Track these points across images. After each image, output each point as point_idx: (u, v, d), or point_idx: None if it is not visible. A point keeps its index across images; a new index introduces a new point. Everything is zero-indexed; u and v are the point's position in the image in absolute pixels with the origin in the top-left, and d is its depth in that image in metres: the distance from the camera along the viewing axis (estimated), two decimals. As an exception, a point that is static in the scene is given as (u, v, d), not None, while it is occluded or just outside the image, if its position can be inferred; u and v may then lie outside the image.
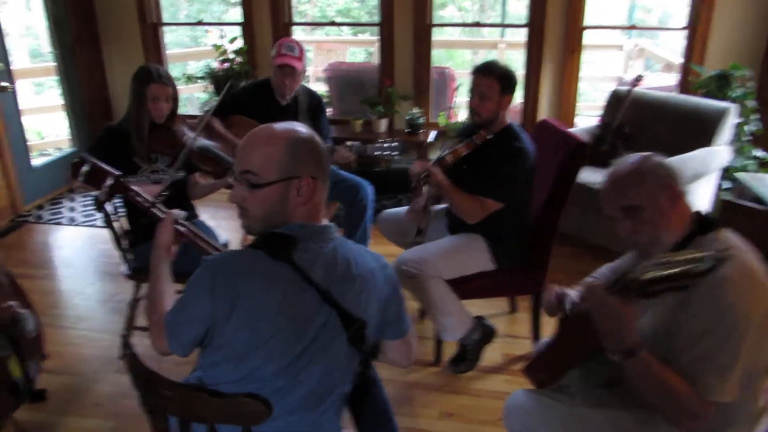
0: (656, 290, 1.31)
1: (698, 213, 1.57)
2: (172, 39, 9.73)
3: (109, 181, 2.00)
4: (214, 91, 4.79)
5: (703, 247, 1.48)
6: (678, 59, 6.05)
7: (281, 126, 1.43)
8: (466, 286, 2.57)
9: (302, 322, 1.36)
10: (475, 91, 2.49)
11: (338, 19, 10.07)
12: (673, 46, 7.25)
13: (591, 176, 3.70)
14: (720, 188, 4.01)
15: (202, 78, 4.81)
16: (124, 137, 2.61)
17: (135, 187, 2.02)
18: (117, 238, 2.61)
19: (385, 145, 3.03)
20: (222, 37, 4.92)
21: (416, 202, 2.66)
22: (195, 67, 4.97)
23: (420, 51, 4.71)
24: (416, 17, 4.62)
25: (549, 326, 2.81)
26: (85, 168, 2.01)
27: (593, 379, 1.78)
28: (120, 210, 2.69)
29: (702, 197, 3.77)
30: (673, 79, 5.39)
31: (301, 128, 1.44)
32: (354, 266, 1.44)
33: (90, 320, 3.16)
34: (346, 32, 9.31)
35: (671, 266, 1.29)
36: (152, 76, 2.59)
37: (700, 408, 1.41)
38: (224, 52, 4.77)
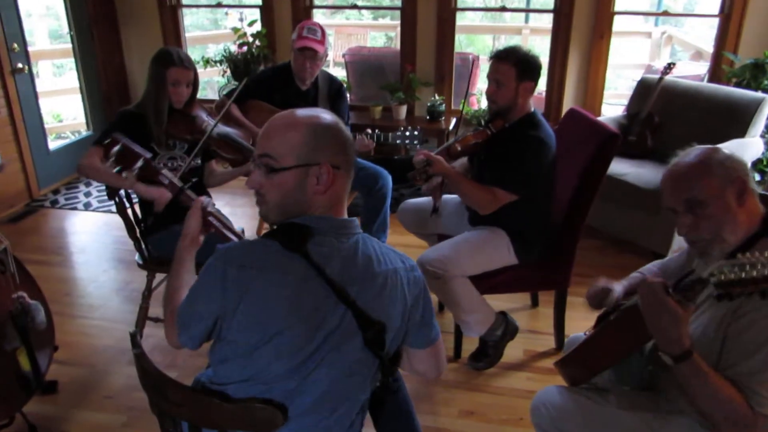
0: (733, 293, 1.21)
1: None
2: (192, 21, 9.66)
3: (140, 163, 1.95)
4: (231, 75, 4.71)
5: None
6: (706, 46, 5.89)
7: (304, 111, 1.37)
8: (488, 282, 2.48)
9: (314, 320, 1.28)
10: (492, 77, 2.40)
11: (360, 3, 9.93)
12: (701, 33, 7.05)
13: (618, 167, 3.57)
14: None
15: (220, 62, 4.72)
16: (140, 122, 2.51)
17: (165, 172, 1.98)
18: (131, 226, 2.55)
19: (407, 133, 2.95)
20: (241, 19, 4.84)
21: (431, 182, 2.57)
22: (214, 51, 4.88)
23: (443, 36, 4.58)
24: (440, 1, 4.49)
25: (573, 321, 2.73)
26: (116, 149, 1.96)
27: (628, 380, 1.70)
28: (133, 197, 2.63)
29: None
30: (702, 67, 5.21)
31: (326, 114, 1.37)
32: (376, 264, 1.36)
33: (103, 309, 3.11)
34: (367, 16, 9.16)
35: (751, 269, 1.18)
36: (173, 60, 2.49)
37: (752, 420, 1.33)
38: (243, 35, 4.68)
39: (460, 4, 4.60)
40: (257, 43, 4.66)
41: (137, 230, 2.58)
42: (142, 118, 2.52)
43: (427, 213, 2.76)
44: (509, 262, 2.50)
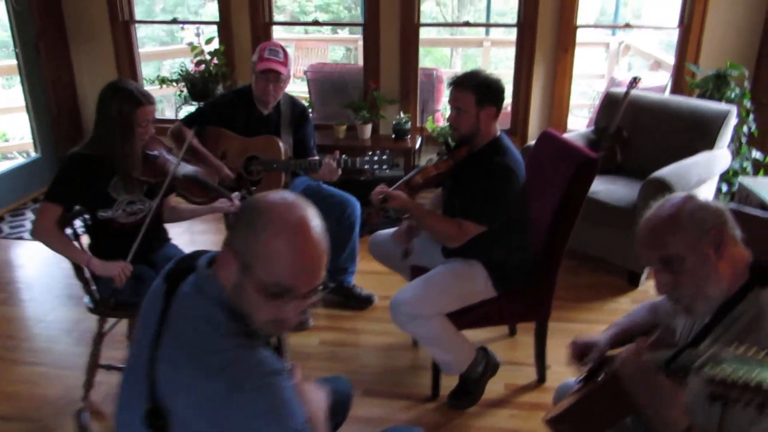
0: (730, 396, 1.04)
1: (757, 261, 1.36)
2: (147, 33, 9.37)
3: None
4: (189, 94, 4.51)
5: (762, 303, 1.29)
6: (663, 56, 5.94)
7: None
8: (467, 317, 2.37)
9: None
10: (451, 104, 2.31)
11: (318, 14, 9.82)
12: (658, 42, 7.13)
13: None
14: (719, 192, 3.87)
15: (176, 81, 4.52)
16: (95, 165, 2.29)
17: None
18: (79, 266, 2.35)
19: (375, 158, 2.83)
20: (198, 35, 4.65)
21: (401, 224, 2.51)
22: (170, 67, 4.67)
23: (407, 52, 4.48)
24: (403, 16, 4.38)
25: (553, 350, 2.63)
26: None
27: None
28: (79, 230, 2.44)
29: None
30: (662, 77, 5.24)
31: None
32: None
33: (51, 354, 2.87)
34: (325, 29, 9.04)
35: (754, 370, 1.01)
36: (139, 99, 2.27)
37: None
38: (200, 52, 4.49)
39: (422, 20, 4.50)
40: (215, 61, 4.47)
41: (86, 271, 2.38)
42: (96, 162, 2.29)
43: (393, 244, 2.62)
44: (488, 295, 2.38)
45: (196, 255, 1.30)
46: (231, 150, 3.02)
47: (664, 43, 7.43)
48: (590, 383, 1.60)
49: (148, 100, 2.30)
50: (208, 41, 4.53)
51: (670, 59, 5.56)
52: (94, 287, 2.39)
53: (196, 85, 4.43)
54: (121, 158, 2.29)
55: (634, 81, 3.86)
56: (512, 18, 4.46)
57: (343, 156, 2.87)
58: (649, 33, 7.32)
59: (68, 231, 2.39)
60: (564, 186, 2.37)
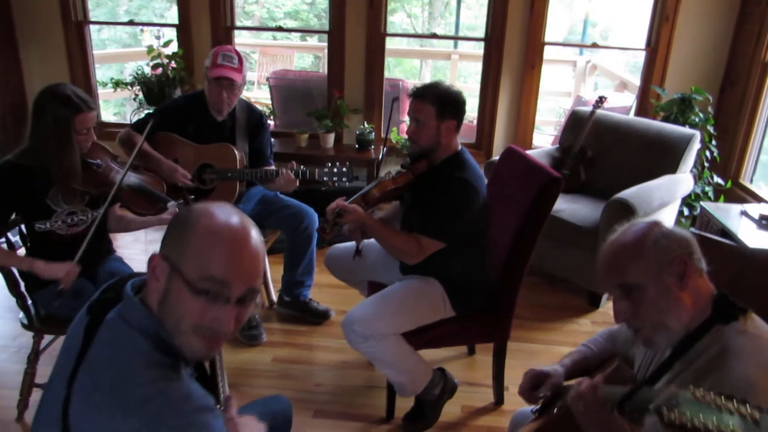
0: None
1: (721, 295, 1.29)
2: (110, 35, 9.12)
3: None
4: (144, 98, 4.35)
5: (724, 340, 1.22)
6: (629, 77, 6.01)
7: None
8: (424, 337, 2.28)
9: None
10: (411, 116, 2.23)
11: (287, 21, 9.69)
12: (624, 64, 7.22)
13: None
14: (681, 215, 3.87)
15: (131, 84, 4.35)
16: (29, 175, 2.14)
17: None
18: (12, 281, 2.19)
19: (335, 170, 2.74)
20: (158, 37, 4.50)
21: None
22: (133, 70, 4.49)
23: (372, 62, 4.40)
24: (369, 25, 4.31)
25: (511, 371, 2.56)
26: None
27: None
28: (14, 241, 2.28)
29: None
30: (628, 98, 5.27)
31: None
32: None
33: (-17, 371, 2.69)
34: (294, 36, 8.93)
35: (713, 415, 0.93)
36: (77, 105, 2.12)
37: None
38: (158, 55, 4.33)
39: (389, 29, 4.43)
40: (173, 64, 4.32)
41: (21, 285, 2.22)
42: (31, 171, 2.14)
43: (355, 262, 2.52)
44: (446, 315, 2.30)
45: (123, 281, 1.18)
46: (183, 157, 2.88)
47: (629, 65, 7.53)
48: (546, 415, 1.52)
49: (87, 105, 2.16)
50: (166, 44, 4.38)
51: (636, 81, 5.62)
52: (29, 302, 2.23)
53: (151, 89, 4.27)
54: (58, 169, 2.14)
55: (600, 101, 3.85)
56: (482, 32, 4.42)
57: (301, 167, 2.77)
58: (616, 54, 7.41)
59: (1, 241, 2.24)
60: (527, 204, 2.30)
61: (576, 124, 3.90)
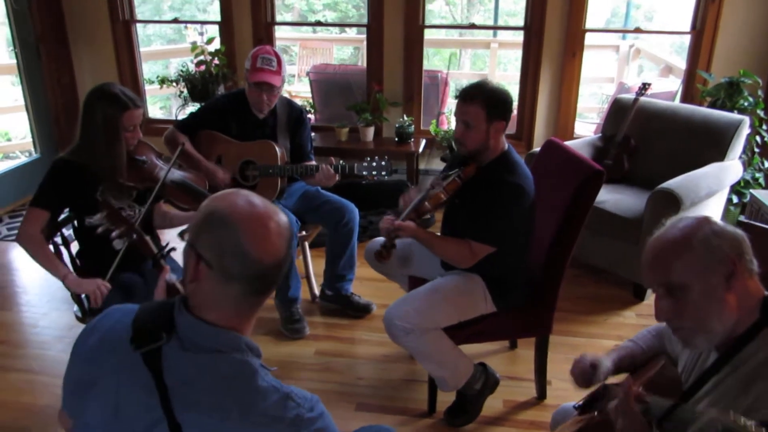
0: None
1: None
2: (155, 31, 9.31)
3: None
4: (189, 95, 4.45)
5: None
6: (674, 60, 5.83)
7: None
8: (465, 332, 2.28)
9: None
10: (459, 119, 2.19)
11: (326, 12, 9.73)
12: (668, 46, 7.00)
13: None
14: (729, 203, 3.76)
15: (176, 81, 4.46)
16: (80, 173, 2.23)
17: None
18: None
19: (374, 164, 2.77)
20: (201, 33, 4.60)
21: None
22: (178, 66, 4.60)
23: (411, 54, 4.40)
24: (407, 17, 4.30)
25: (553, 365, 2.55)
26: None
27: None
28: (68, 235, 2.37)
29: (712, 216, 3.50)
30: (673, 83, 5.12)
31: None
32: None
33: (42, 360, 2.81)
34: (334, 29, 8.95)
35: None
36: (125, 102, 2.20)
37: None
38: (201, 52, 4.42)
39: (428, 19, 4.41)
40: (216, 61, 4.41)
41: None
42: (81, 168, 2.23)
43: (396, 254, 2.53)
44: (486, 311, 2.30)
45: (152, 311, 1.17)
46: (227, 155, 2.95)
47: (675, 46, 7.30)
48: (587, 416, 1.51)
49: (134, 103, 2.23)
50: (209, 41, 4.47)
51: (682, 64, 5.46)
52: (83, 295, 2.33)
53: (196, 85, 4.37)
54: (106, 164, 2.23)
55: (644, 87, 3.76)
56: (521, 19, 4.36)
57: (341, 161, 2.80)
58: (661, 36, 7.19)
59: (57, 238, 2.34)
60: (568, 198, 2.28)
61: (619, 112, 3.82)
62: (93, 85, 2.28)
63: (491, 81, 2.23)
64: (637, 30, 4.60)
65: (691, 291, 1.23)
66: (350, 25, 9.07)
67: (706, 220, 1.30)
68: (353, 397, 2.56)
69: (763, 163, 3.87)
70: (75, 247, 2.43)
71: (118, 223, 2.03)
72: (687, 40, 4.29)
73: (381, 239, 2.68)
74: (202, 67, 4.39)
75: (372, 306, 3.16)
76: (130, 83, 4.70)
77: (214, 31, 4.61)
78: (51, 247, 2.28)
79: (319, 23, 4.71)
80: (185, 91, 4.45)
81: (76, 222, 2.36)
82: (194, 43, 4.47)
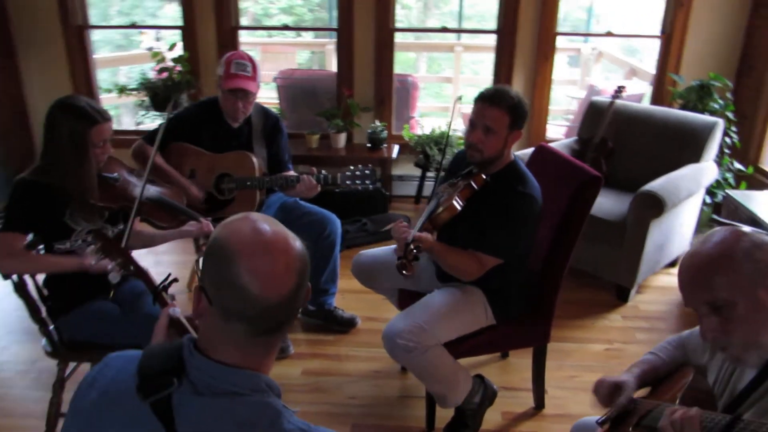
0: None
1: None
2: (101, 37, 8.93)
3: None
4: (151, 103, 4.25)
5: None
6: (637, 63, 5.91)
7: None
8: (463, 346, 2.19)
9: None
10: (479, 122, 2.06)
11: (281, 16, 9.54)
12: (621, 49, 7.10)
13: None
14: (702, 203, 3.80)
15: (137, 89, 4.24)
16: (46, 194, 2.03)
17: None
18: (33, 307, 2.09)
19: (357, 173, 2.65)
20: (158, 39, 4.39)
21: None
22: (128, 73, 4.38)
23: (381, 58, 4.31)
24: (378, 21, 4.21)
25: (548, 373, 2.48)
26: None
27: None
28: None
29: (689, 217, 3.54)
30: (641, 86, 5.18)
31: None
32: None
33: (4, 400, 2.56)
34: (289, 34, 8.78)
35: None
36: (94, 116, 2.02)
37: None
38: (162, 59, 4.22)
39: (397, 24, 4.33)
40: (178, 68, 4.22)
41: (42, 311, 2.13)
42: (48, 189, 2.03)
43: (386, 268, 2.40)
44: (487, 323, 2.22)
45: (158, 355, 1.04)
46: (200, 168, 2.79)
47: (626, 50, 7.41)
48: (619, 429, 1.44)
49: (102, 116, 2.06)
50: (171, 47, 4.27)
51: (642, 66, 5.54)
52: (51, 327, 2.14)
53: (158, 93, 4.17)
54: (75, 185, 2.05)
55: (619, 90, 3.77)
56: (480, 22, 4.33)
57: (322, 172, 2.68)
58: (617, 40, 7.28)
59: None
60: (565, 205, 2.23)
61: (595, 115, 3.81)
62: (43, 96, 2.10)
63: (510, 88, 2.13)
64: (609, 34, 4.62)
65: (737, 307, 1.18)
66: (319, 29, 8.88)
67: (741, 232, 1.25)
68: (347, 418, 2.45)
69: (732, 164, 3.92)
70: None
71: (113, 254, 1.85)
72: (641, 43, 4.32)
73: (371, 250, 2.57)
74: (164, 75, 4.19)
75: (357, 320, 3.05)
76: (85, 92, 4.44)
77: (172, 36, 4.41)
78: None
79: (286, 27, 4.57)
80: (146, 99, 4.24)
81: (43, 249, 2.16)
82: (153, 49, 4.25)
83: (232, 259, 0.96)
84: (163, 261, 3.63)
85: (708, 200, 3.87)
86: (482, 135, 2.06)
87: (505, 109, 2.03)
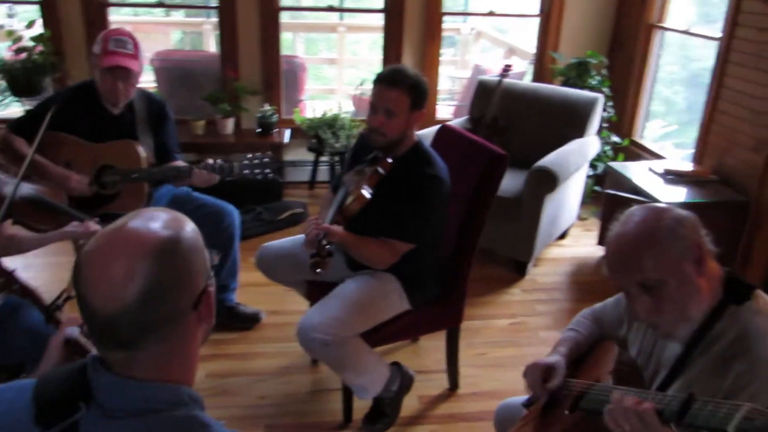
0: None
1: (730, 274, 1.26)
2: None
3: None
4: (9, 89, 3.79)
5: (742, 322, 1.19)
6: (514, 42, 6.11)
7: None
8: (379, 334, 2.15)
9: None
10: (379, 105, 2.00)
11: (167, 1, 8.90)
12: (493, 29, 7.32)
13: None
14: (587, 176, 4.00)
15: (-8, 74, 3.78)
16: None
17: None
18: None
19: (256, 161, 2.50)
20: (11, 16, 3.92)
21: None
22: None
23: (267, 38, 4.12)
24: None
25: (462, 352, 2.49)
26: None
27: None
28: None
29: (576, 190, 3.70)
30: (521, 64, 5.35)
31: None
32: None
33: None
34: (159, 12, 8.22)
35: None
36: None
37: None
38: (19, 38, 3.77)
39: (283, 3, 4.15)
40: (40, 48, 3.79)
41: None
42: None
43: (293, 260, 2.30)
44: (402, 309, 2.18)
45: (57, 379, 0.91)
46: (77, 160, 2.51)
47: (499, 30, 7.65)
48: (553, 415, 1.44)
49: None
50: (30, 25, 3.83)
51: (518, 46, 5.73)
52: None
53: (17, 77, 3.73)
54: None
55: (507, 69, 3.85)
56: (363, 1, 4.26)
57: (218, 161, 2.50)
58: (491, 20, 7.49)
59: None
60: (472, 186, 2.23)
61: (484, 94, 3.88)
62: None
63: (408, 66, 2.08)
64: (491, 14, 4.71)
65: (667, 285, 1.20)
66: (198, 7, 8.32)
67: (661, 209, 1.27)
68: (260, 420, 2.32)
69: (610, 137, 4.15)
70: None
71: None
72: (510, 22, 4.45)
73: (275, 242, 2.44)
74: (23, 56, 3.75)
75: (261, 314, 2.91)
76: None
77: (29, 13, 3.96)
78: None
79: (161, 4, 4.20)
80: (2, 83, 3.78)
81: None
82: (9, 30, 3.80)
83: (78, 268, 0.87)
84: (34, 264, 3.25)
85: (590, 172, 4.08)
86: (384, 118, 2.01)
87: (405, 89, 1.99)
